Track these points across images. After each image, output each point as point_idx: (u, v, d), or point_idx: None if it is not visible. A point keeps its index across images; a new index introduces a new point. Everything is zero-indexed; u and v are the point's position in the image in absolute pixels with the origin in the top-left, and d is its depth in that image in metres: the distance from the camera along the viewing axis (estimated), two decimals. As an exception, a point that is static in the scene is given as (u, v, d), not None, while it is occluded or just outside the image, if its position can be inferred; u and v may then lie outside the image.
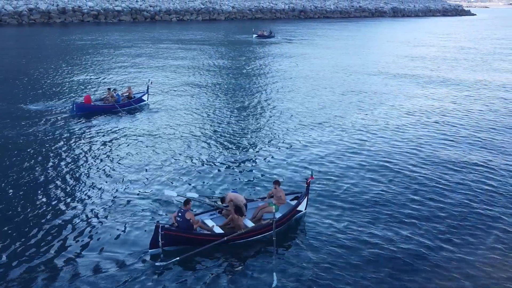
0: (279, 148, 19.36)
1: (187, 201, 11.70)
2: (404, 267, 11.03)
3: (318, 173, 16.28)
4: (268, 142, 20.13)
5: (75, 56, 45.50)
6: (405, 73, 39.36)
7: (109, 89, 26.20)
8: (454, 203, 14.47)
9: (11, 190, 14.75)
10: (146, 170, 16.66)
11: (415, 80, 36.42)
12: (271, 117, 24.46)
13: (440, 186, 15.76)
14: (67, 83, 32.34)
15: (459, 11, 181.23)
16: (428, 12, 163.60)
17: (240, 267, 10.81)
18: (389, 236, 12.37)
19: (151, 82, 28.05)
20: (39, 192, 14.73)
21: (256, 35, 67.91)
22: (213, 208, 12.89)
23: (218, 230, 11.75)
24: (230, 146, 19.65)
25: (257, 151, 19.00)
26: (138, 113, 24.76)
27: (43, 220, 12.84)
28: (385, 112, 25.87)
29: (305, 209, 13.21)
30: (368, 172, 16.82)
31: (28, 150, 18.59)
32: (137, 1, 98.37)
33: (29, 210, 13.44)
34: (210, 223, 12.04)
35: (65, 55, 46.25)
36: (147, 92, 26.80)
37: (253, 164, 17.49)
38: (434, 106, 27.45)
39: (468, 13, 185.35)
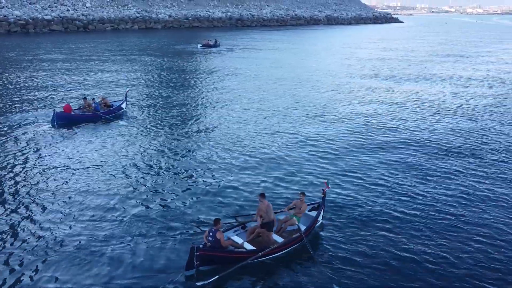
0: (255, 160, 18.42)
1: (217, 220, 11.68)
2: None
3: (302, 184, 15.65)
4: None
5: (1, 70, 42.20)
6: (361, 75, 39.90)
7: (85, 98, 25.83)
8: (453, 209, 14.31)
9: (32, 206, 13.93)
10: (156, 184, 16.66)
11: (370, 80, 36.93)
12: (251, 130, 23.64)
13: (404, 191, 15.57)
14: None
15: (388, 19, 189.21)
16: (360, 20, 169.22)
17: (282, 281, 11.07)
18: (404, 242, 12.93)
19: (129, 90, 29.16)
20: (54, 210, 14.55)
21: (201, 45, 66.62)
22: (236, 224, 12.88)
23: (248, 246, 11.85)
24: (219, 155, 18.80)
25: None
26: (120, 121, 24.95)
27: (64, 239, 12.77)
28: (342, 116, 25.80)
29: (321, 219, 13.50)
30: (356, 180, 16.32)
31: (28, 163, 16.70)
32: (68, 10, 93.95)
33: (45, 229, 13.26)
34: (238, 239, 12.08)
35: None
36: (125, 100, 27.21)
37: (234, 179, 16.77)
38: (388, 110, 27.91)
39: (396, 20, 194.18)
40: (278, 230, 12.85)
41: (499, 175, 18.21)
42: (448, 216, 14.55)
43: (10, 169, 17.86)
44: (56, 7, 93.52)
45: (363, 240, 12.90)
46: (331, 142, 21.96)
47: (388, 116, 27.47)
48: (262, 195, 12.57)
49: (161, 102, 30.20)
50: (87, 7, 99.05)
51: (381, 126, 24.94)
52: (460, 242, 13.03)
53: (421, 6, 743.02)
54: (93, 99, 26.13)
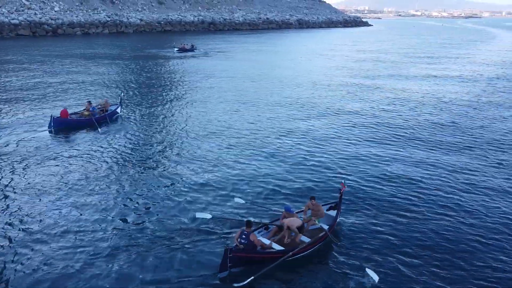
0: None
1: (249, 222, 11.94)
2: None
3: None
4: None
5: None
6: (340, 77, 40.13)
7: (89, 102, 25.88)
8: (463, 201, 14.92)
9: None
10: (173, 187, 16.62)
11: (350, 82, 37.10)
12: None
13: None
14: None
15: (358, 22, 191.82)
16: (330, 24, 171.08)
17: (313, 276, 11.37)
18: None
19: (123, 95, 29.66)
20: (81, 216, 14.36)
21: (178, 49, 65.82)
22: (260, 226, 12.98)
23: (277, 246, 12.06)
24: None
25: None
26: (116, 125, 24.87)
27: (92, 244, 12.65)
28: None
29: (339, 218, 13.88)
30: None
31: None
32: (36, 14, 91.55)
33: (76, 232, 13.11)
34: (266, 241, 12.21)
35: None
36: (120, 104, 27.34)
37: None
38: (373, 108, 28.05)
39: (366, 24, 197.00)
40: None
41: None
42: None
43: (9, 176, 17.33)
44: (23, 11, 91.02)
45: (382, 229, 13.73)
46: (330, 139, 21.93)
47: (375, 112, 27.66)
48: (313, 197, 13.61)
49: (150, 106, 30.02)
50: (55, 11, 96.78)
51: (367, 123, 25.07)
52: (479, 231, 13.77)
53: (388, 10, 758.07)
54: (90, 101, 26.00)
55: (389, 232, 13.56)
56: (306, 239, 12.54)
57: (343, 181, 14.25)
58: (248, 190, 16.33)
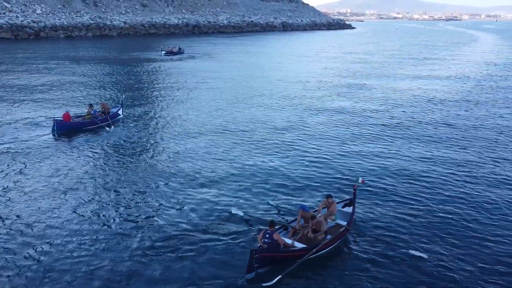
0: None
1: (272, 222, 12.06)
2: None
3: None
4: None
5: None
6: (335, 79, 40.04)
7: (90, 105, 25.93)
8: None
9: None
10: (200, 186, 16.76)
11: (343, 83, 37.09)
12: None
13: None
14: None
15: (341, 25, 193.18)
16: (314, 26, 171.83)
17: (338, 270, 11.66)
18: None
19: (124, 97, 29.88)
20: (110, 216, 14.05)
21: (165, 52, 65.25)
22: (279, 226, 13.02)
23: (299, 245, 12.15)
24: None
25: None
26: (117, 127, 24.82)
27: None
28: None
29: (355, 214, 14.23)
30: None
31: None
32: (17, 17, 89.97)
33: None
34: (288, 240, 12.28)
35: None
36: (122, 106, 27.37)
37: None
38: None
39: (349, 26, 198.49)
40: None
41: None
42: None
43: (14, 181, 17.02)
44: (4, 13, 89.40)
45: (403, 223, 14.05)
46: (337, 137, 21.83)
47: (373, 110, 27.65)
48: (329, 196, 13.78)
49: (148, 108, 30.17)
50: (37, 14, 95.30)
51: (361, 121, 25.07)
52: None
53: (370, 12, 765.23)
54: (91, 105, 26.05)
55: (409, 225, 13.86)
56: (327, 236, 12.74)
57: (359, 177, 14.58)
58: (262, 190, 16.42)
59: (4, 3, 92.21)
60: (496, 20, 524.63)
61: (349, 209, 14.22)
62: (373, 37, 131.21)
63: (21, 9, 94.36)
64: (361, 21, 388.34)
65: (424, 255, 11.89)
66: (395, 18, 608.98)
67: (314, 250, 11.78)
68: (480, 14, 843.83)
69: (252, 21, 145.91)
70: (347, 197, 15.12)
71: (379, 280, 11.13)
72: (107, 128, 23.80)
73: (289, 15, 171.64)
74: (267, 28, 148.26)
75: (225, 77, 44.47)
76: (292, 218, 13.68)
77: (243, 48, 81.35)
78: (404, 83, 42.30)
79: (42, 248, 12.21)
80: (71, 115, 24.70)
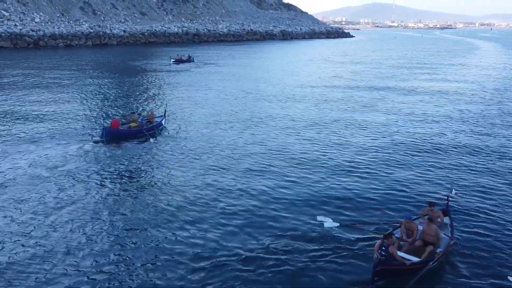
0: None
1: (390, 234, 11.71)
2: None
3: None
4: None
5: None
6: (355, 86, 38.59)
7: (133, 113, 26.64)
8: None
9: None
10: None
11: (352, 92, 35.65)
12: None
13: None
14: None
15: (340, 33, 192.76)
16: (313, 35, 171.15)
17: (456, 279, 11.56)
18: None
19: (167, 107, 30.00)
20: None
21: (174, 60, 64.18)
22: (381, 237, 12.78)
23: (412, 258, 11.79)
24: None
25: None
26: (161, 137, 24.81)
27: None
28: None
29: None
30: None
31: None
32: (16, 25, 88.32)
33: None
34: (403, 254, 11.89)
35: None
36: (165, 116, 27.42)
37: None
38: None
39: (348, 35, 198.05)
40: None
41: None
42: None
43: (72, 183, 17.51)
44: (2, 22, 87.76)
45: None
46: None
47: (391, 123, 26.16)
48: (431, 204, 13.59)
49: (188, 119, 29.40)
50: (36, 22, 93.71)
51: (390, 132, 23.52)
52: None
53: (365, 21, 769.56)
54: (139, 113, 26.48)
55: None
56: (438, 249, 12.43)
57: (453, 189, 14.72)
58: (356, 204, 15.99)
59: (2, 11, 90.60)
60: (491, 29, 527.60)
61: (447, 220, 13.75)
62: (375, 45, 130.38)
63: (20, 17, 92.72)
64: (358, 29, 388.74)
65: None
66: (390, 26, 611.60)
67: (431, 263, 11.55)
68: (474, 23, 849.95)
69: (251, 30, 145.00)
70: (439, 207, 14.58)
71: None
72: (151, 139, 23.72)
73: (288, 23, 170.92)
74: (267, 37, 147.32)
75: (252, 88, 42.77)
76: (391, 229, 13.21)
77: (250, 55, 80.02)
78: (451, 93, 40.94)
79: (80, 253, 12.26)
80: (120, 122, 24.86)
